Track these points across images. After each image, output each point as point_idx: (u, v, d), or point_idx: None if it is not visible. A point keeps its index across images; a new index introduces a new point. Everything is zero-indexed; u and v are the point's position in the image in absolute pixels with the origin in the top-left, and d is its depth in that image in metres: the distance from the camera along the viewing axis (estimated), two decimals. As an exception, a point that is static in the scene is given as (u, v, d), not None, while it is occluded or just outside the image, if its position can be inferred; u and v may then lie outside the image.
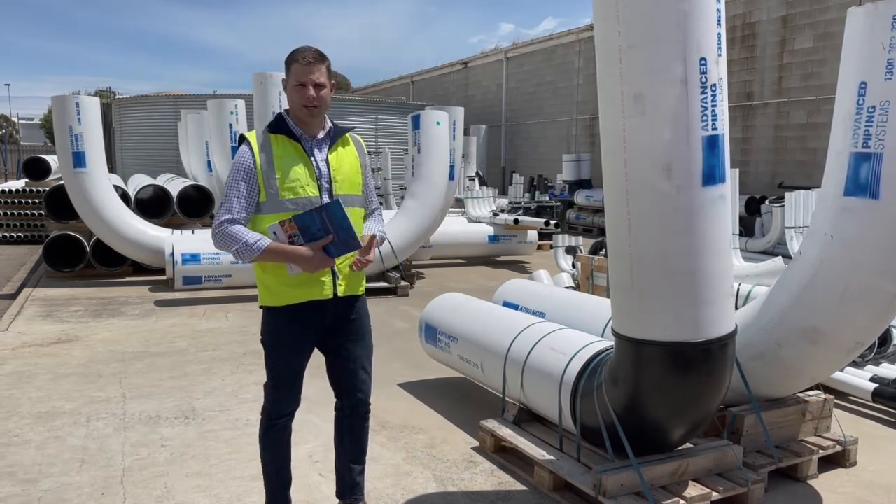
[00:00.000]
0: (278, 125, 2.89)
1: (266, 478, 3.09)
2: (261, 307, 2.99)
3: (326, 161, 2.91)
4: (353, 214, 2.89)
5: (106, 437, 4.29)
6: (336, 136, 2.96)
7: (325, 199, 2.86)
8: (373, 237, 2.97)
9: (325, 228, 2.76)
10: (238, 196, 2.80)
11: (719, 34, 2.73)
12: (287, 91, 2.88)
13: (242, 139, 2.89)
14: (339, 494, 3.24)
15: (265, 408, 3.03)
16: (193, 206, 11.24)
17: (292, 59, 2.85)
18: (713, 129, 2.75)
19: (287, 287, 2.86)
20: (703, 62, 2.68)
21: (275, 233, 2.77)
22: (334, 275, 2.91)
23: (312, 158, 2.89)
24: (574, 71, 21.25)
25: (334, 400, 3.16)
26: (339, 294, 2.94)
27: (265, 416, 3.03)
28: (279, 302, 2.90)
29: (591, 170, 18.15)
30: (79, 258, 9.81)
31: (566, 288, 7.30)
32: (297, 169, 2.84)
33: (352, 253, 2.88)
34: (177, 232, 9.66)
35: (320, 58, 2.85)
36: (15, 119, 60.69)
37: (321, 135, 2.93)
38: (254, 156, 2.82)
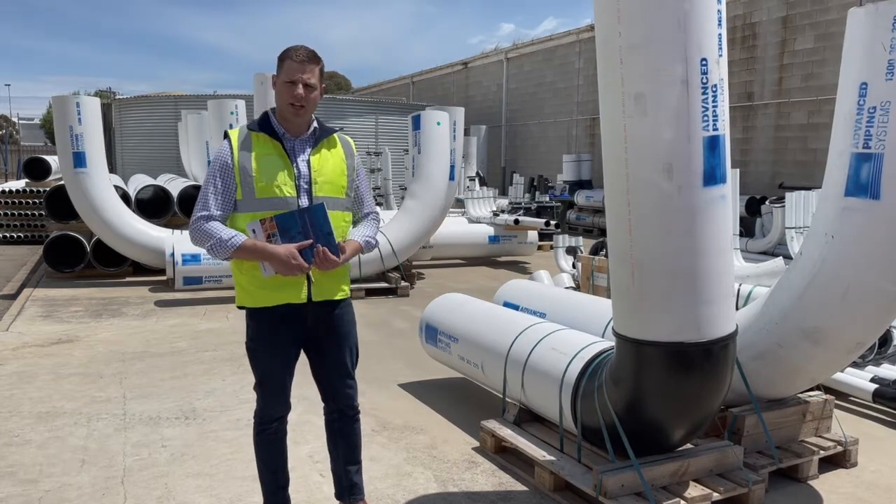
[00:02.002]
0: (261, 123, 2.86)
1: (262, 480, 3.08)
2: (239, 308, 2.93)
3: (308, 162, 2.85)
4: (334, 218, 2.83)
5: (107, 437, 4.28)
6: (321, 137, 2.91)
7: (304, 201, 2.81)
8: (351, 242, 2.91)
9: (304, 232, 2.71)
10: (214, 192, 2.77)
11: (720, 34, 2.73)
12: (276, 88, 2.83)
13: (226, 136, 2.86)
14: (338, 496, 3.23)
15: (256, 411, 3.01)
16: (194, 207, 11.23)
17: (285, 56, 2.79)
18: (714, 130, 2.75)
19: (261, 289, 2.82)
20: (703, 63, 2.68)
21: (254, 231, 2.73)
22: (309, 279, 2.85)
23: (293, 158, 2.83)
24: (574, 71, 21.25)
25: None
26: (314, 299, 2.87)
27: (256, 418, 3.01)
28: (254, 303, 2.85)
29: (591, 170, 18.16)
30: (79, 258, 9.81)
31: (566, 288, 7.30)
32: (275, 168, 2.79)
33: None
34: (177, 232, 9.65)
35: (314, 58, 2.81)
36: (15, 119, 60.68)
37: (305, 135, 2.88)
38: (232, 152, 2.79)
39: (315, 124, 2.91)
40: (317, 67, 2.81)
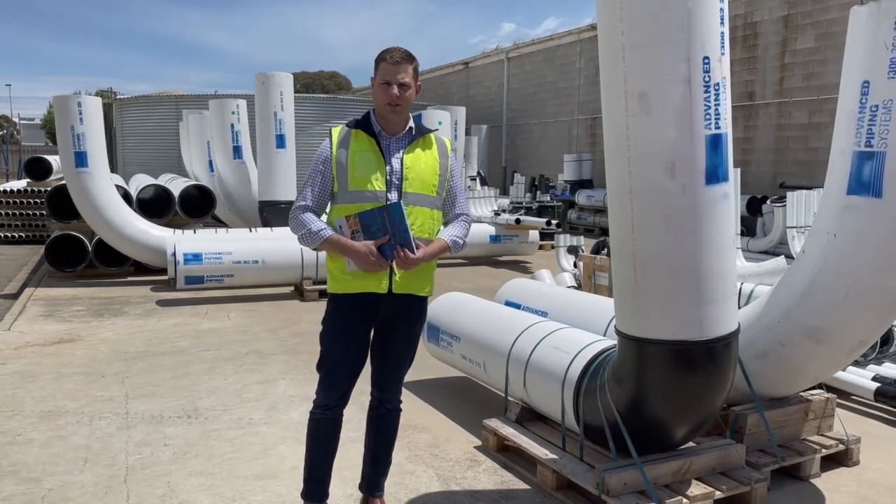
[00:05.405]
0: (360, 122, 2.99)
1: (304, 463, 3.15)
2: (329, 294, 3.07)
3: (401, 159, 2.95)
4: (421, 214, 2.95)
5: (109, 436, 4.29)
6: (417, 136, 3.01)
7: (393, 195, 2.91)
8: (438, 240, 3.00)
9: (383, 228, 2.82)
10: (312, 185, 2.97)
11: (722, 33, 2.74)
12: (373, 89, 2.96)
13: (329, 133, 3.03)
14: (360, 486, 3.35)
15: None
16: (195, 206, 11.25)
17: (380, 59, 2.91)
18: (716, 128, 2.76)
19: (346, 277, 2.96)
20: (706, 61, 2.68)
21: (340, 227, 2.89)
22: (392, 271, 2.94)
23: (386, 155, 2.94)
24: (575, 71, 21.25)
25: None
26: (394, 291, 2.96)
27: (314, 402, 3.11)
28: (339, 290, 2.99)
29: (592, 170, 18.15)
30: (80, 258, 9.81)
31: (568, 288, 7.30)
32: (368, 163, 2.92)
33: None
34: (178, 232, 9.66)
35: (408, 58, 2.92)
36: (16, 119, 60.77)
37: (401, 133, 2.99)
38: (332, 148, 2.96)
39: (412, 124, 3.02)
40: (410, 66, 2.92)
